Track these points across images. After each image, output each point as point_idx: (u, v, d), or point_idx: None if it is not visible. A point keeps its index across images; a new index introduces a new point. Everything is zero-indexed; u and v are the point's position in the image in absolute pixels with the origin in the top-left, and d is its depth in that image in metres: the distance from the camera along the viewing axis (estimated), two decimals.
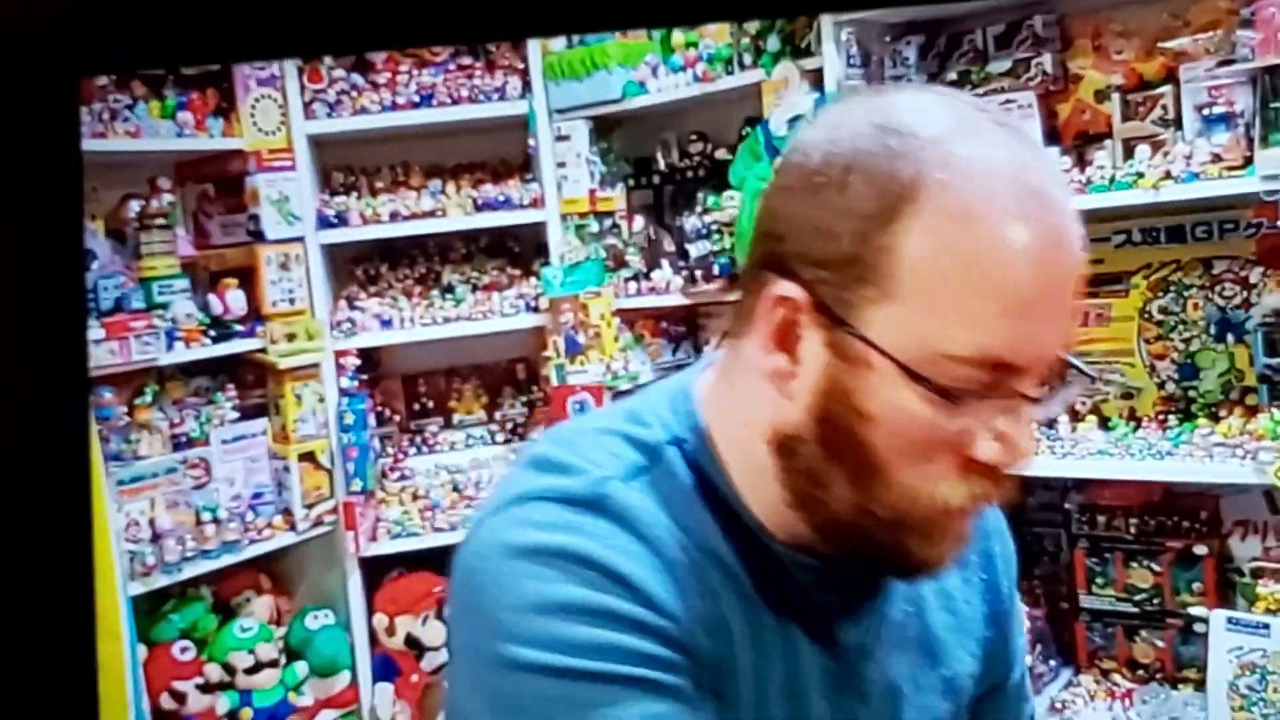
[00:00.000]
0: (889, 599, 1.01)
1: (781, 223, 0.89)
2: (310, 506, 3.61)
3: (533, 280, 3.84)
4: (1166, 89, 2.65)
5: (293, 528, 3.59)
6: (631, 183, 3.80)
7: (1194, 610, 2.68)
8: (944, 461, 0.85)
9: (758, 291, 0.89)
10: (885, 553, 0.90)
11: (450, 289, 3.88)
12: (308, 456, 3.61)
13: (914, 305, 0.82)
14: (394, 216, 3.77)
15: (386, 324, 3.77)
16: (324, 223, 3.71)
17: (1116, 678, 2.83)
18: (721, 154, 3.53)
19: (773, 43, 3.18)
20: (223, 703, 3.36)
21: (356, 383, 3.73)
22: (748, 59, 3.29)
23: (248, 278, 3.57)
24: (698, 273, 3.49)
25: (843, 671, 0.97)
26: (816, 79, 3.07)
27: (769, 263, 0.89)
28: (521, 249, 4.03)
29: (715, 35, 3.40)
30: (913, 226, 0.82)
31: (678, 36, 3.51)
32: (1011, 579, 1.14)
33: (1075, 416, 2.78)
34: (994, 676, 1.11)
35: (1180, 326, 2.76)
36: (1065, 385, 0.90)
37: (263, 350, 3.56)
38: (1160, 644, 2.79)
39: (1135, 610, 2.80)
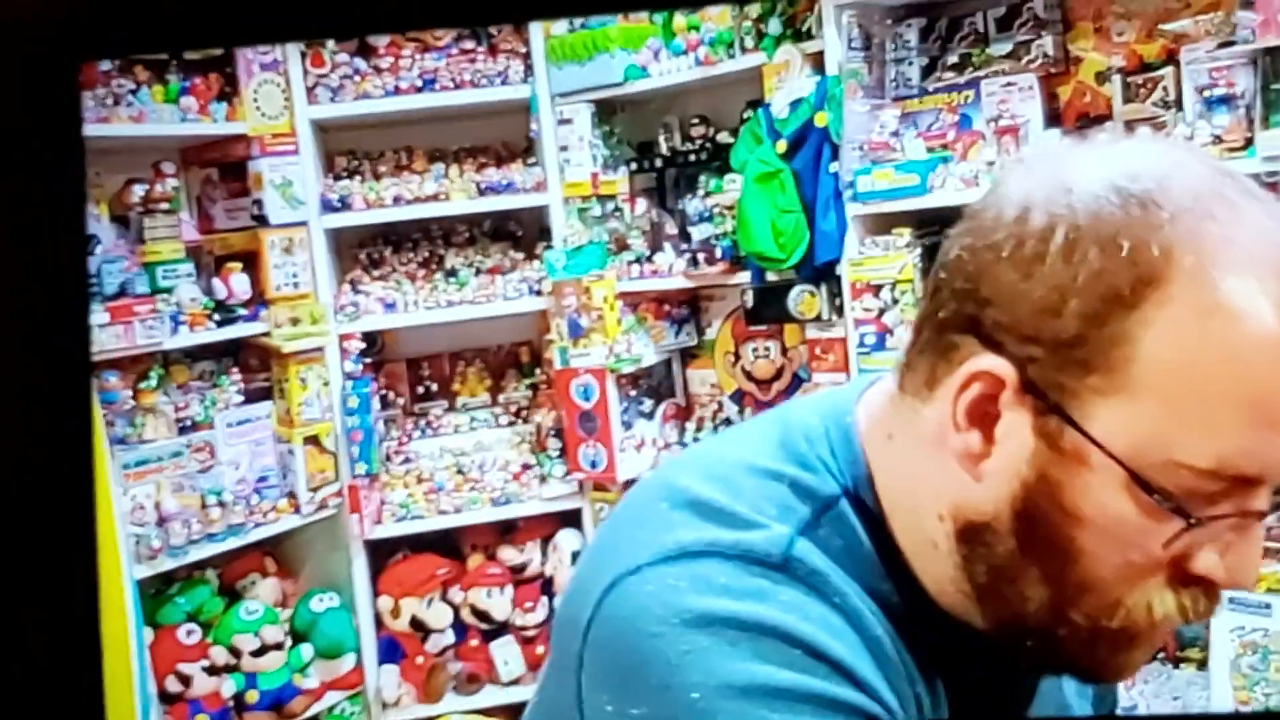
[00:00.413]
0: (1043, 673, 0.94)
1: (986, 285, 0.77)
2: (315, 490, 3.61)
3: (536, 264, 3.84)
4: (1167, 71, 2.65)
5: (297, 511, 3.59)
6: (634, 166, 3.80)
7: None
8: (1159, 573, 0.77)
9: (949, 356, 0.80)
10: (1072, 658, 0.82)
11: (453, 273, 3.89)
12: (312, 440, 3.61)
13: (1149, 404, 0.72)
14: (397, 201, 3.77)
15: (390, 307, 3.78)
16: (327, 207, 3.70)
17: None
18: (723, 137, 3.53)
19: (774, 26, 3.19)
20: (228, 685, 3.38)
21: (360, 366, 3.73)
22: (749, 42, 3.30)
23: (252, 262, 3.57)
24: (700, 255, 3.50)
25: None
26: (817, 62, 3.08)
27: (966, 326, 0.79)
28: (524, 233, 4.03)
29: (717, 19, 3.40)
30: (1157, 316, 0.72)
31: (679, 20, 3.51)
32: None
33: None
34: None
35: None
36: None
37: (267, 334, 3.57)
38: None
39: None
